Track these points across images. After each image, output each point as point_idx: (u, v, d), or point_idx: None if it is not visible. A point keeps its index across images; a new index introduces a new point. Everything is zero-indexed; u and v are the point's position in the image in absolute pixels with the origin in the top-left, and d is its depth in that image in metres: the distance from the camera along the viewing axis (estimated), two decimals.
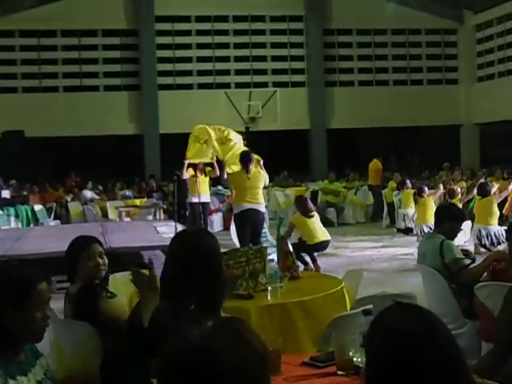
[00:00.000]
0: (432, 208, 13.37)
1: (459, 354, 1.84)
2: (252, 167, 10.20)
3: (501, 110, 24.37)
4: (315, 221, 11.20)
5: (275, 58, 26.09)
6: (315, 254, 11.29)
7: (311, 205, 11.40)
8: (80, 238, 4.55)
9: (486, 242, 12.03)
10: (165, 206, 16.78)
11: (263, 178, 10.37)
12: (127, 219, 16.15)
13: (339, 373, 3.38)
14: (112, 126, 23.66)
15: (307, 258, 11.11)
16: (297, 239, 10.89)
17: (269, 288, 5.09)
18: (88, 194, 19.19)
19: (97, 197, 19.23)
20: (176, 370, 1.62)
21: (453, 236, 6.11)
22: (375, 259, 12.65)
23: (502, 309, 3.62)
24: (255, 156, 10.33)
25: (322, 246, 11.24)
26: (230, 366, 1.58)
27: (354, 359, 3.35)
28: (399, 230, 15.50)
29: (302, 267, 9.96)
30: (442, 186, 15.36)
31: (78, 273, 4.38)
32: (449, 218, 6.15)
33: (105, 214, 16.93)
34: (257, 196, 10.18)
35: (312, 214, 11.14)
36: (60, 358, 4.47)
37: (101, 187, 20.92)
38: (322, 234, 11.21)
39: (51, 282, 7.76)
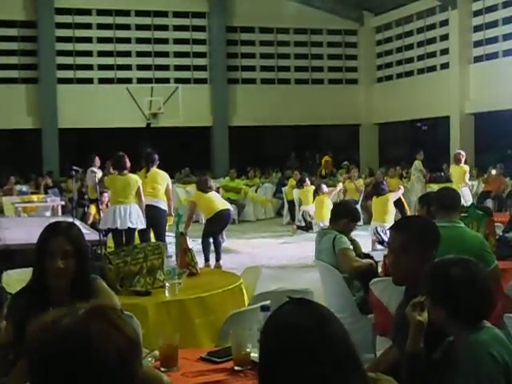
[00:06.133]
0: (328, 205, 13.68)
1: (349, 344, 1.87)
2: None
3: (398, 110, 25.01)
4: (212, 194, 11.40)
5: (178, 54, 25.92)
6: (222, 240, 11.44)
7: (211, 183, 11.58)
8: None
9: (384, 239, 12.30)
10: (63, 203, 16.45)
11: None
12: (24, 215, 15.75)
13: (236, 368, 3.38)
14: (9, 119, 22.91)
15: (211, 255, 11.24)
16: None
17: (167, 284, 5.05)
18: None
19: None
20: (49, 357, 1.63)
21: (346, 233, 6.25)
22: (275, 256, 12.76)
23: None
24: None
25: (223, 216, 11.32)
26: (103, 351, 1.63)
27: (251, 355, 3.36)
28: (299, 227, 15.68)
29: (202, 264, 9.98)
30: (340, 184, 15.66)
31: None
32: (344, 216, 6.31)
33: (0, 210, 16.46)
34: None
35: (210, 190, 11.34)
36: None
37: None
38: (220, 203, 11.39)
39: None
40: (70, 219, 9.56)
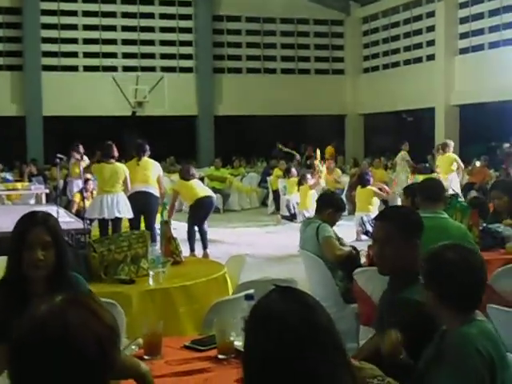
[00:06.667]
0: (312, 195, 13.74)
1: (334, 332, 1.88)
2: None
3: (384, 101, 25.03)
4: (194, 182, 11.41)
5: (163, 43, 25.83)
6: (205, 226, 11.44)
7: (193, 171, 11.57)
8: None
9: (369, 229, 12.32)
10: (47, 191, 16.39)
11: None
12: (8, 203, 15.70)
13: (220, 356, 3.39)
14: None
15: (196, 245, 11.24)
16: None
17: (151, 273, 5.04)
18: None
19: None
20: (27, 347, 1.64)
21: (331, 223, 6.27)
22: (260, 245, 12.77)
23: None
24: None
25: (205, 203, 11.29)
26: (81, 339, 1.63)
27: (235, 343, 3.37)
28: (284, 217, 15.71)
29: (187, 254, 9.99)
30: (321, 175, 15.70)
31: None
32: (329, 206, 6.34)
33: None
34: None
35: (192, 178, 11.37)
36: None
37: None
38: (201, 190, 11.43)
39: None
40: (54, 207, 9.53)
